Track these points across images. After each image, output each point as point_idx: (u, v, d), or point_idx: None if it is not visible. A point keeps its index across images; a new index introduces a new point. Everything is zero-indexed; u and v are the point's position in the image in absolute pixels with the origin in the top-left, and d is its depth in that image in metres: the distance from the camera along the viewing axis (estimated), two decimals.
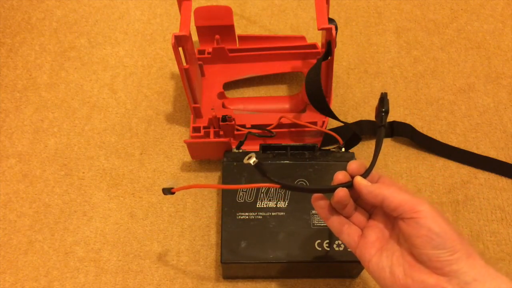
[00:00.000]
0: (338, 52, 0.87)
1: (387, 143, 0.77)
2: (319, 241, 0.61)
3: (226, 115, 0.70)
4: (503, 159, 0.76)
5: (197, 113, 0.73)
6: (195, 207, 0.73)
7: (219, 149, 0.71)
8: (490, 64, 0.86)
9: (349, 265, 0.62)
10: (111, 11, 0.91)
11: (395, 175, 0.75)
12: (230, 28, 0.80)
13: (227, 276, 0.67)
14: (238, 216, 0.63)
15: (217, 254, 0.68)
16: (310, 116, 0.76)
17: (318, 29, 0.64)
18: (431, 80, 0.84)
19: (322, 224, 0.62)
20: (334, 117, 0.70)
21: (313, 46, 0.82)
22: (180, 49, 0.66)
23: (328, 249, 0.61)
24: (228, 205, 0.64)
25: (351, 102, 0.81)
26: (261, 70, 0.82)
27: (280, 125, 0.74)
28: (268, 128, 0.72)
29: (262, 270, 0.65)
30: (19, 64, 0.85)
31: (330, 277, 0.67)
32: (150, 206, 0.73)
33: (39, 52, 0.86)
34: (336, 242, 0.61)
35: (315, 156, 0.68)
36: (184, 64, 0.68)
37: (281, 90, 0.84)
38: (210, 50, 0.81)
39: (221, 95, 0.78)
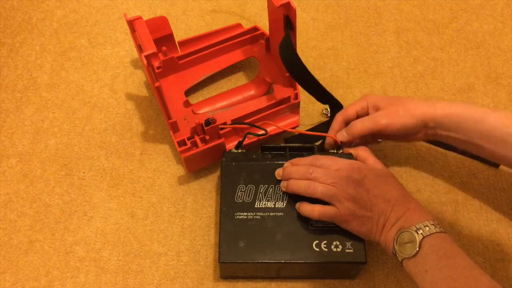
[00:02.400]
0: (338, 52, 0.87)
1: (386, 143, 0.77)
2: (317, 241, 0.61)
3: (209, 118, 0.68)
4: None
5: (175, 128, 0.72)
6: (195, 207, 0.73)
7: (216, 153, 0.71)
8: (489, 64, 0.86)
9: (347, 266, 0.62)
10: (111, 11, 0.92)
11: (395, 175, 0.75)
12: (170, 37, 0.80)
13: (225, 276, 0.67)
14: (236, 216, 0.63)
15: (217, 254, 0.69)
16: (280, 93, 0.76)
17: (277, 6, 0.64)
18: (431, 80, 0.84)
19: (320, 225, 0.62)
20: (316, 83, 0.71)
21: (254, 29, 0.82)
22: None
23: (326, 250, 0.61)
24: (227, 205, 0.64)
25: (351, 102, 0.81)
26: (215, 66, 0.81)
27: (256, 112, 0.74)
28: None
29: (260, 270, 0.65)
30: (19, 64, 0.85)
31: (328, 277, 0.67)
32: (150, 206, 0.73)
33: (40, 52, 0.87)
34: (334, 243, 0.61)
35: None
36: (157, 82, 0.66)
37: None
38: (159, 63, 0.77)
39: (187, 103, 0.77)
